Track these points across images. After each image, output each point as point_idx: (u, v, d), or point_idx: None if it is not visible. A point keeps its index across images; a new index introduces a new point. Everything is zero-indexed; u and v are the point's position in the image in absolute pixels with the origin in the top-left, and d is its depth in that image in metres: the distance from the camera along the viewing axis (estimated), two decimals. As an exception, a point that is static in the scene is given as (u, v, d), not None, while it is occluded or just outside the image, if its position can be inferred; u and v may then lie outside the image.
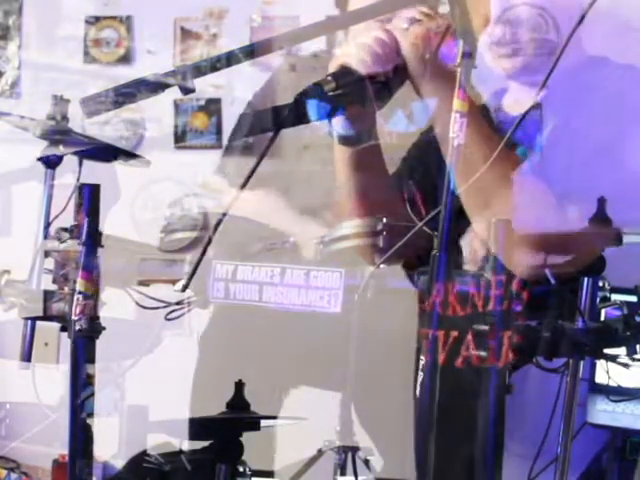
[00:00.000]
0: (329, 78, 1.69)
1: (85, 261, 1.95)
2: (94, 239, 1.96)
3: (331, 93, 1.68)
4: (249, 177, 1.68)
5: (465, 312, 1.69)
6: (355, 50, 1.72)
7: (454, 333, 1.62)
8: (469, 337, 1.52)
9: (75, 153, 2.13)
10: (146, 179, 3.29)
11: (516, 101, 2.13)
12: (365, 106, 1.77)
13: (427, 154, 2.15)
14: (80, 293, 1.94)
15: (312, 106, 1.65)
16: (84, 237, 1.96)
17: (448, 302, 1.68)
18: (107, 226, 2.04)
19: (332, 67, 1.73)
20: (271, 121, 1.65)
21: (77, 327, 1.94)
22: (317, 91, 1.66)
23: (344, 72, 1.71)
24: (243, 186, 1.68)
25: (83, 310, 1.94)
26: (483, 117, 1.84)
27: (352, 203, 1.91)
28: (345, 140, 1.85)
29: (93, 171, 2.18)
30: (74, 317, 1.93)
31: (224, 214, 1.73)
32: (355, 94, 1.72)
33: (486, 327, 1.51)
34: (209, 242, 1.74)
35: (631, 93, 2.04)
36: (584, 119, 2.03)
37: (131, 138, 3.40)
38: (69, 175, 2.15)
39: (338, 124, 1.84)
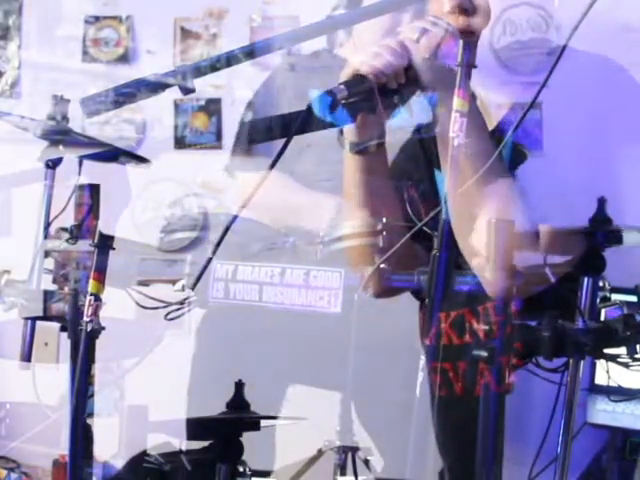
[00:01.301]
0: (342, 86, 1.70)
1: (98, 263, 1.95)
2: (107, 241, 1.97)
3: (343, 101, 1.69)
4: (263, 179, 1.69)
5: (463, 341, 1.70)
6: (367, 59, 1.73)
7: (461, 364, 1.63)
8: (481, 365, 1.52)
9: (79, 155, 2.13)
10: (146, 179, 3.30)
11: (515, 101, 2.13)
12: (376, 114, 1.78)
13: (417, 156, 2.16)
14: (92, 295, 1.94)
15: (324, 114, 1.66)
16: (97, 239, 1.96)
17: (444, 331, 1.69)
18: (108, 226, 2.04)
19: (344, 75, 1.74)
20: (284, 128, 1.66)
21: (89, 328, 1.94)
22: (330, 99, 1.67)
23: (356, 80, 1.72)
24: (257, 187, 1.70)
25: (95, 311, 1.94)
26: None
27: (361, 208, 1.91)
28: (355, 147, 1.86)
29: (104, 174, 2.19)
30: (86, 318, 1.94)
31: (236, 216, 1.74)
32: (367, 102, 1.73)
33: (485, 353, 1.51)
34: (219, 243, 1.75)
35: (630, 93, 2.04)
36: (584, 119, 2.03)
37: (131, 138, 3.40)
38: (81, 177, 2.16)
39: (349, 132, 1.85)
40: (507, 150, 2.04)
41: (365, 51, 1.76)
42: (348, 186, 1.93)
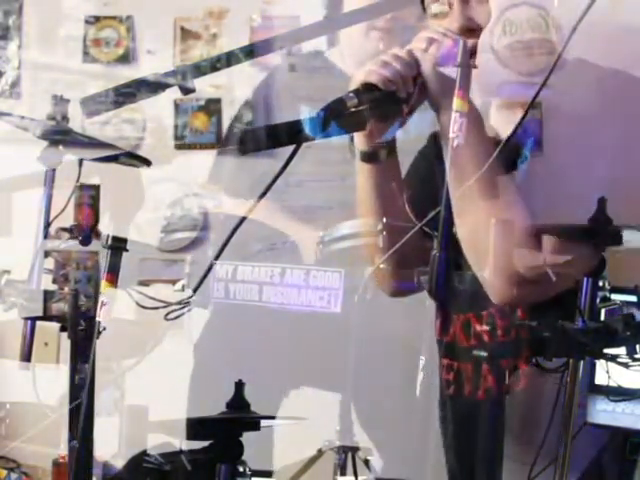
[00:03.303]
0: (351, 94, 1.71)
1: (111, 263, 1.95)
2: (119, 242, 1.97)
3: (353, 109, 1.69)
4: (268, 188, 1.70)
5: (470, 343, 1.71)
6: (377, 68, 1.74)
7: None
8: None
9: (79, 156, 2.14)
10: (146, 179, 3.30)
11: (516, 101, 2.13)
12: (386, 122, 1.79)
13: (427, 171, 2.17)
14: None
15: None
16: (109, 240, 1.97)
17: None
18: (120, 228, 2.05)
19: (354, 84, 1.75)
20: (293, 135, 1.66)
21: (100, 328, 1.95)
22: (339, 107, 1.67)
23: (366, 89, 1.73)
24: (262, 196, 1.71)
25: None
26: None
27: (373, 214, 1.91)
28: (366, 156, 1.87)
29: (117, 177, 2.19)
30: (98, 319, 1.95)
31: (243, 218, 1.75)
32: (377, 110, 1.74)
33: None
34: (224, 246, 1.76)
35: (630, 94, 2.05)
36: (584, 119, 2.03)
37: (131, 138, 3.40)
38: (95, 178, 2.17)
39: (358, 140, 1.85)
40: (507, 150, 2.04)
41: (375, 60, 1.77)
42: (361, 192, 1.94)
